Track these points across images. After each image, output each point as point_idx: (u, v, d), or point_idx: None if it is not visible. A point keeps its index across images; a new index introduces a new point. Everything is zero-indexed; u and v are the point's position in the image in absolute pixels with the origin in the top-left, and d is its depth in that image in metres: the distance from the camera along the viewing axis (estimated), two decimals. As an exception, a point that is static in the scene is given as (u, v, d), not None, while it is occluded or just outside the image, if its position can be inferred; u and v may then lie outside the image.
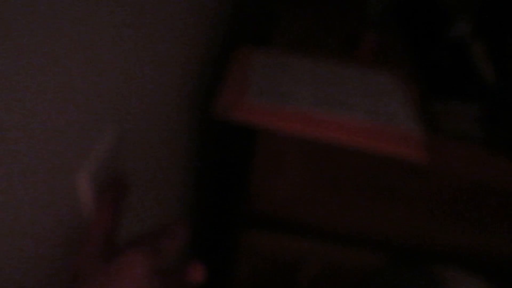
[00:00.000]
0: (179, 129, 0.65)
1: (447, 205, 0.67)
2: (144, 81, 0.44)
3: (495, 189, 0.63)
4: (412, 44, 0.87)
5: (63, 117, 0.28)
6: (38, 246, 0.28)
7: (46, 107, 0.25)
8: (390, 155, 0.62)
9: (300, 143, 0.63)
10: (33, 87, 0.24)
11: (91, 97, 0.31)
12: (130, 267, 0.25)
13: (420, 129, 0.61)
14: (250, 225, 0.73)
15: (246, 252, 0.76)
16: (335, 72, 0.72)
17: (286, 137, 0.63)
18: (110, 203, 0.32)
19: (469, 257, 0.73)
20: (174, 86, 0.57)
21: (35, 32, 0.23)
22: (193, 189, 0.88)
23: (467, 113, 0.68)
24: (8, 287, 0.25)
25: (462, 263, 0.73)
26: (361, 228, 0.72)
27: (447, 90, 0.72)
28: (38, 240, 0.27)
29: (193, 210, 0.93)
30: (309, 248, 0.74)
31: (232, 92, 0.62)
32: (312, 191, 0.68)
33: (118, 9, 0.34)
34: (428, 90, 0.73)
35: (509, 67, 0.68)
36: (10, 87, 0.22)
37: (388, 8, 0.96)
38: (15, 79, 0.22)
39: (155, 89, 0.48)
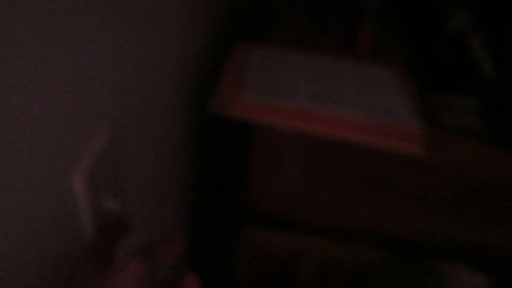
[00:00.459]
0: (176, 127, 0.65)
1: (446, 199, 0.66)
2: (139, 79, 0.43)
3: (494, 183, 0.63)
4: (410, 38, 0.87)
5: (57, 116, 0.27)
6: (32, 247, 0.27)
7: (39, 106, 0.25)
8: (388, 150, 0.61)
9: (297, 139, 0.63)
10: (27, 86, 0.23)
11: (86, 96, 0.31)
12: (119, 274, 0.25)
13: (419, 123, 0.61)
14: (248, 222, 0.73)
15: (245, 249, 0.76)
16: (333, 67, 0.71)
17: (284, 134, 0.62)
18: (108, 240, 0.32)
19: (469, 251, 0.73)
20: (170, 83, 0.57)
21: (27, 31, 0.22)
22: (191, 187, 0.88)
23: (466, 106, 0.68)
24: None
25: (461, 258, 0.73)
26: (360, 223, 0.72)
27: (446, 84, 0.71)
28: (33, 241, 0.27)
29: (191, 208, 0.93)
30: (308, 244, 0.74)
31: (229, 88, 0.61)
32: (310, 187, 0.68)
33: (113, 5, 0.33)
34: (427, 84, 0.73)
35: (508, 60, 0.68)
36: (2, 87, 0.21)
37: (386, 2, 0.96)
38: (7, 78, 0.22)
39: (151, 87, 0.48)
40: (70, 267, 0.32)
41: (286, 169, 0.66)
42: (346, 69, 0.71)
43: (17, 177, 0.24)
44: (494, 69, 0.69)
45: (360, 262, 0.75)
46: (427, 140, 0.61)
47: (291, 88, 0.64)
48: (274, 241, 0.74)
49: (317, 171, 0.66)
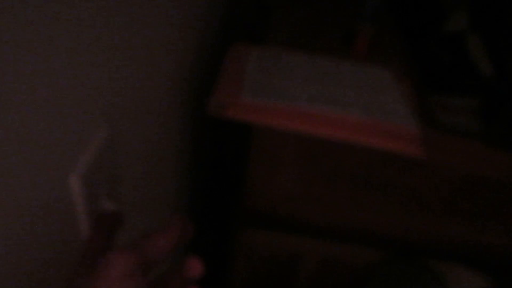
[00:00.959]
0: (174, 128, 0.65)
1: (444, 200, 0.66)
2: (137, 80, 0.43)
3: (492, 182, 0.63)
4: (408, 38, 0.87)
5: (54, 117, 0.27)
6: (29, 248, 0.27)
7: (36, 108, 0.25)
8: (386, 151, 0.61)
9: (296, 140, 0.63)
10: (23, 88, 0.23)
11: (83, 97, 0.31)
12: (106, 269, 0.24)
13: (417, 124, 0.61)
14: (247, 223, 0.73)
15: (244, 250, 0.75)
16: (331, 68, 0.71)
17: (282, 134, 0.62)
18: (103, 234, 0.32)
19: (467, 251, 0.73)
20: (168, 84, 0.56)
21: (23, 34, 0.22)
22: (189, 188, 0.88)
23: (464, 107, 0.68)
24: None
25: (459, 258, 0.73)
26: (358, 224, 0.72)
27: (444, 84, 0.71)
28: (30, 243, 0.27)
29: (190, 209, 0.93)
30: (306, 244, 0.74)
31: (227, 89, 0.61)
32: (308, 187, 0.68)
33: (109, 7, 0.33)
34: (425, 84, 0.73)
35: (506, 60, 0.68)
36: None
37: (383, 2, 0.96)
38: (4, 80, 0.21)
39: (148, 87, 0.47)
40: (67, 271, 0.32)
41: (284, 170, 0.66)
42: (344, 70, 0.71)
43: (14, 178, 0.24)
44: (492, 69, 0.69)
45: (358, 262, 0.75)
46: (425, 140, 0.61)
47: (289, 89, 0.63)
48: (272, 241, 0.74)
49: (316, 171, 0.66)
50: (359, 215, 0.71)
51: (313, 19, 0.88)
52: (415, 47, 0.83)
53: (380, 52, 0.81)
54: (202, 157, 0.98)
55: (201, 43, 0.77)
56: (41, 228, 0.28)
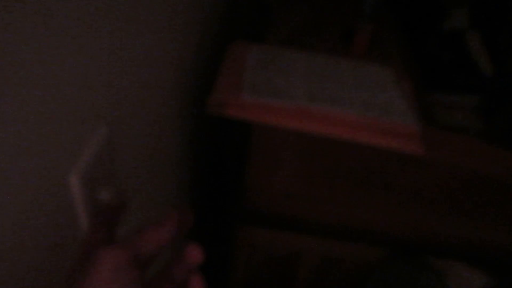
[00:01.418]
0: (173, 126, 0.65)
1: (444, 197, 0.66)
2: (136, 79, 0.43)
3: (492, 180, 0.63)
4: (408, 36, 0.87)
5: (53, 116, 0.27)
6: (29, 247, 0.27)
7: (35, 107, 0.25)
8: (386, 148, 0.61)
9: (295, 138, 0.63)
10: (22, 88, 0.23)
11: (81, 96, 0.31)
12: (96, 266, 0.24)
13: (416, 122, 0.61)
14: (246, 221, 0.73)
15: (243, 248, 0.75)
16: (330, 66, 0.71)
17: (282, 133, 0.62)
18: (104, 224, 0.32)
19: (468, 248, 0.73)
20: (167, 83, 0.56)
21: (23, 33, 0.22)
22: (189, 186, 0.88)
23: (463, 104, 0.68)
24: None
25: (460, 255, 0.73)
26: (358, 222, 0.72)
27: (443, 82, 0.71)
28: (30, 242, 0.27)
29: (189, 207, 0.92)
30: (306, 243, 0.74)
31: (226, 88, 0.61)
32: (308, 186, 0.68)
33: (109, 6, 0.33)
34: (424, 81, 0.73)
35: (506, 58, 0.68)
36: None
37: (382, 0, 0.96)
38: (3, 79, 0.21)
39: (147, 86, 0.47)
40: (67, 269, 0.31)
41: (284, 168, 0.66)
42: (343, 68, 0.71)
43: (14, 176, 0.24)
44: (492, 67, 0.69)
45: (359, 260, 0.75)
46: (425, 138, 0.61)
47: (288, 87, 0.63)
48: (272, 239, 0.74)
49: (315, 169, 0.66)
50: (359, 213, 0.71)
51: (313, 17, 0.88)
52: (415, 45, 0.83)
53: (380, 50, 0.80)
54: (201, 155, 0.98)
55: (201, 41, 0.77)
56: (41, 227, 0.28)
